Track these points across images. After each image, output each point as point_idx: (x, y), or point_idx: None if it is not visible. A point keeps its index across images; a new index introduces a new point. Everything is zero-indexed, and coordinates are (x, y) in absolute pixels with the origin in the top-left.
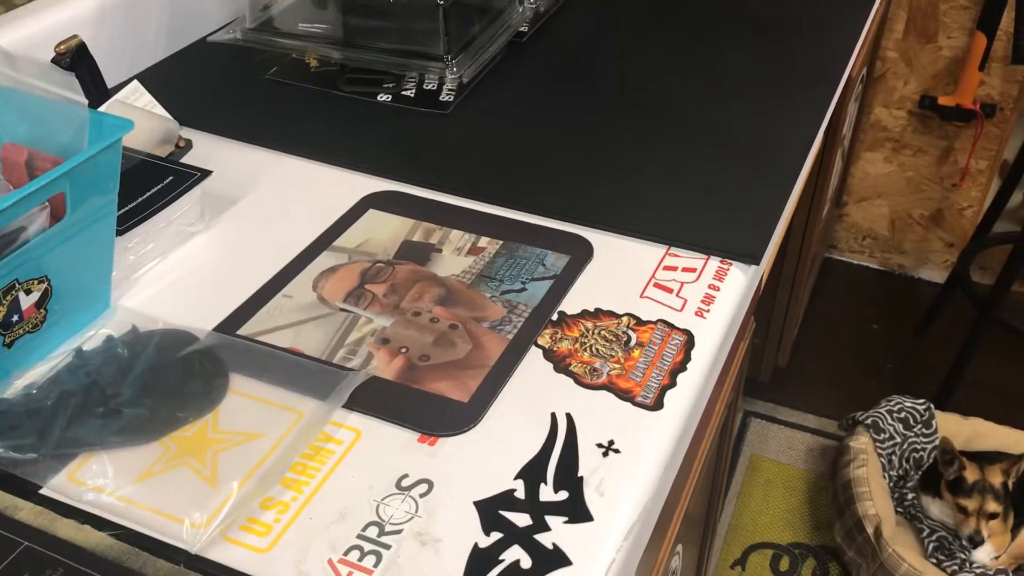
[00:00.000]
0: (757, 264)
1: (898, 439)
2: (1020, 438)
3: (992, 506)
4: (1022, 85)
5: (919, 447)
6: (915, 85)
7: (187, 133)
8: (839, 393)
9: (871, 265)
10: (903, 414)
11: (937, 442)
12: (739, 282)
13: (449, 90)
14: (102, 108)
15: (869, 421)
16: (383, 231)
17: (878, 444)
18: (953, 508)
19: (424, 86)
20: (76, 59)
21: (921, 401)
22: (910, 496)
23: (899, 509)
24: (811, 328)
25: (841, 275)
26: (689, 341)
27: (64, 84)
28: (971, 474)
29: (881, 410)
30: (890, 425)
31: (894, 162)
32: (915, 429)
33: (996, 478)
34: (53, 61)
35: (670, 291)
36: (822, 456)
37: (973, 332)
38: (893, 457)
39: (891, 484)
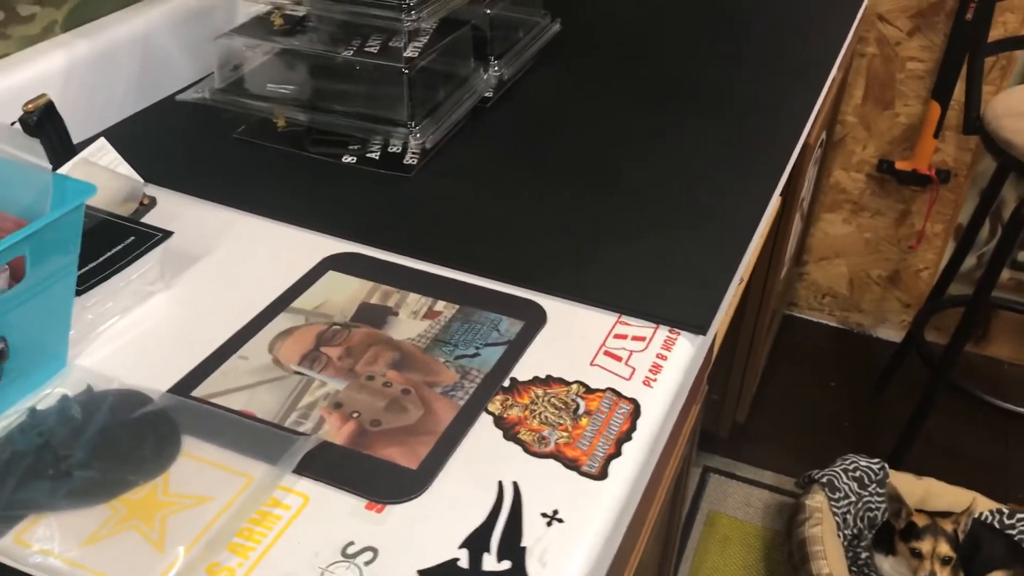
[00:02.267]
0: (704, 334)
1: (853, 498)
2: (972, 499)
3: (945, 548)
4: (975, 153)
5: (873, 506)
6: (873, 149)
7: (152, 191)
8: (797, 450)
9: (830, 323)
10: (858, 473)
11: None
12: (686, 352)
13: (413, 153)
14: (67, 166)
15: (825, 480)
16: (341, 293)
17: (833, 503)
18: (907, 556)
19: (389, 149)
20: (44, 117)
21: (876, 460)
22: (864, 555)
23: (853, 568)
24: (770, 384)
25: (801, 332)
26: (636, 410)
27: (27, 148)
28: (921, 519)
29: (837, 469)
30: (845, 484)
31: (853, 223)
32: (870, 488)
33: (947, 526)
34: (21, 119)
35: (619, 359)
36: (779, 513)
37: (926, 393)
38: (848, 516)
39: (845, 543)
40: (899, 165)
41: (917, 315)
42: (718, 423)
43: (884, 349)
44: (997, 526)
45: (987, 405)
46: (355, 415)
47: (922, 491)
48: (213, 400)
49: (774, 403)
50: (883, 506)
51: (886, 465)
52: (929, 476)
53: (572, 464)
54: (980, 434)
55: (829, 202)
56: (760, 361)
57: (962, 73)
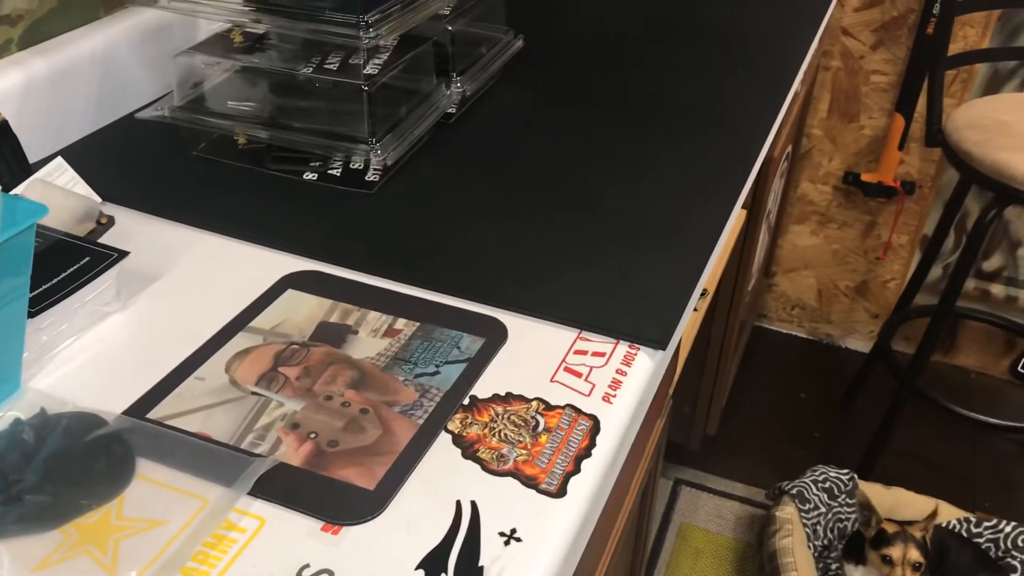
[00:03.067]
0: (663, 349)
1: (823, 509)
2: (940, 509)
3: (915, 554)
4: (939, 164)
5: (843, 517)
6: (839, 162)
7: (111, 209)
8: (768, 461)
9: (799, 334)
10: (827, 484)
11: None
12: (646, 367)
13: (375, 170)
14: (22, 186)
15: (795, 491)
16: (300, 312)
17: (803, 514)
18: (878, 564)
19: (351, 166)
20: None
21: (845, 471)
22: (834, 566)
23: None
24: (741, 396)
25: (770, 343)
26: (595, 427)
27: None
28: (890, 527)
29: (806, 480)
30: (815, 495)
31: (820, 235)
32: (839, 499)
33: (916, 532)
34: None
35: (579, 375)
36: (750, 525)
37: (894, 403)
38: (818, 527)
39: (816, 554)
40: (865, 177)
41: (884, 325)
42: (688, 435)
43: (853, 359)
44: (965, 535)
45: (954, 414)
46: (312, 436)
47: (892, 501)
48: (169, 422)
49: (744, 415)
50: (853, 516)
51: (855, 476)
52: (898, 486)
53: (531, 482)
54: (947, 443)
55: (797, 214)
56: (729, 373)
57: (925, 86)
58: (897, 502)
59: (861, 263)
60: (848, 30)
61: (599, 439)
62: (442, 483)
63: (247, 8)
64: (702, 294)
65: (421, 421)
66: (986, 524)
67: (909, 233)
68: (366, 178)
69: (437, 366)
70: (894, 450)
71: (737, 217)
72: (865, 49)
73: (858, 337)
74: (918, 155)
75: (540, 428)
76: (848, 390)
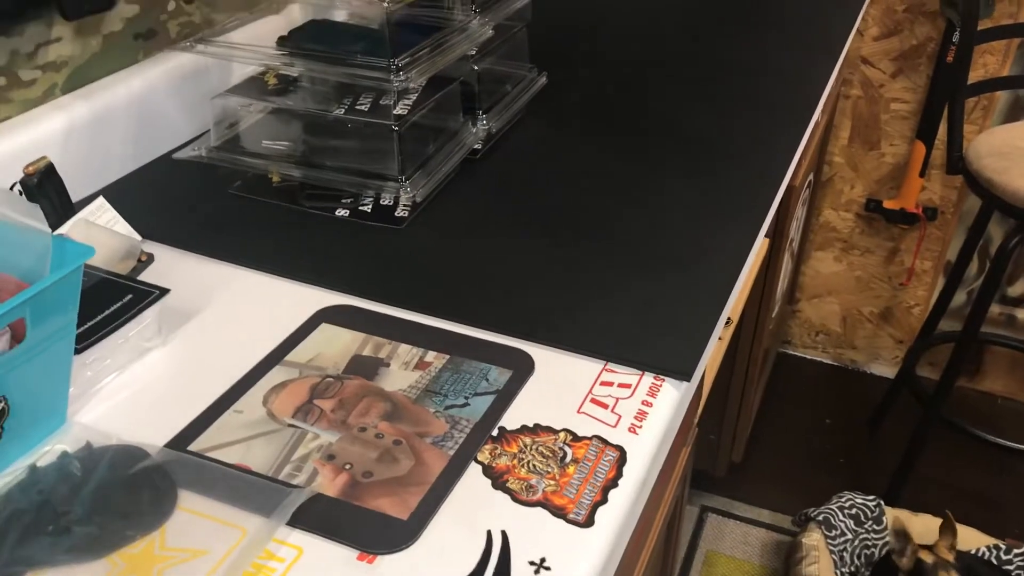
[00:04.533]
0: (688, 380)
1: (849, 535)
2: (967, 535)
3: None
4: (961, 191)
5: (870, 543)
6: (861, 189)
7: (150, 247)
8: (794, 488)
9: (824, 360)
10: (854, 510)
11: (887, 538)
12: (671, 398)
13: (405, 206)
14: (66, 225)
15: (821, 517)
16: (334, 345)
17: (830, 540)
18: None
19: (381, 202)
20: (44, 179)
21: (871, 497)
22: None
23: None
24: (766, 422)
25: (795, 369)
26: (622, 457)
27: (28, 213)
28: (927, 556)
29: (832, 506)
30: (841, 521)
31: (844, 261)
32: (866, 525)
33: (947, 555)
34: (22, 182)
35: (606, 407)
36: (776, 552)
37: (919, 430)
38: (844, 554)
39: None
40: (887, 204)
41: (908, 351)
42: (714, 462)
43: (878, 385)
44: (995, 562)
45: (981, 441)
46: (348, 467)
47: (920, 527)
48: (209, 454)
49: (770, 441)
50: (879, 543)
51: (882, 502)
52: (925, 512)
53: (559, 512)
54: (975, 470)
55: (820, 240)
56: (754, 400)
57: (946, 113)
58: (925, 528)
59: (885, 289)
60: (868, 59)
61: (626, 469)
62: (473, 513)
63: (281, 52)
64: (726, 323)
65: (452, 452)
66: (1016, 551)
67: (932, 259)
68: (396, 214)
69: (466, 398)
70: (921, 476)
71: (760, 245)
72: (885, 77)
73: (883, 363)
74: (940, 181)
75: (568, 459)
76: (873, 416)
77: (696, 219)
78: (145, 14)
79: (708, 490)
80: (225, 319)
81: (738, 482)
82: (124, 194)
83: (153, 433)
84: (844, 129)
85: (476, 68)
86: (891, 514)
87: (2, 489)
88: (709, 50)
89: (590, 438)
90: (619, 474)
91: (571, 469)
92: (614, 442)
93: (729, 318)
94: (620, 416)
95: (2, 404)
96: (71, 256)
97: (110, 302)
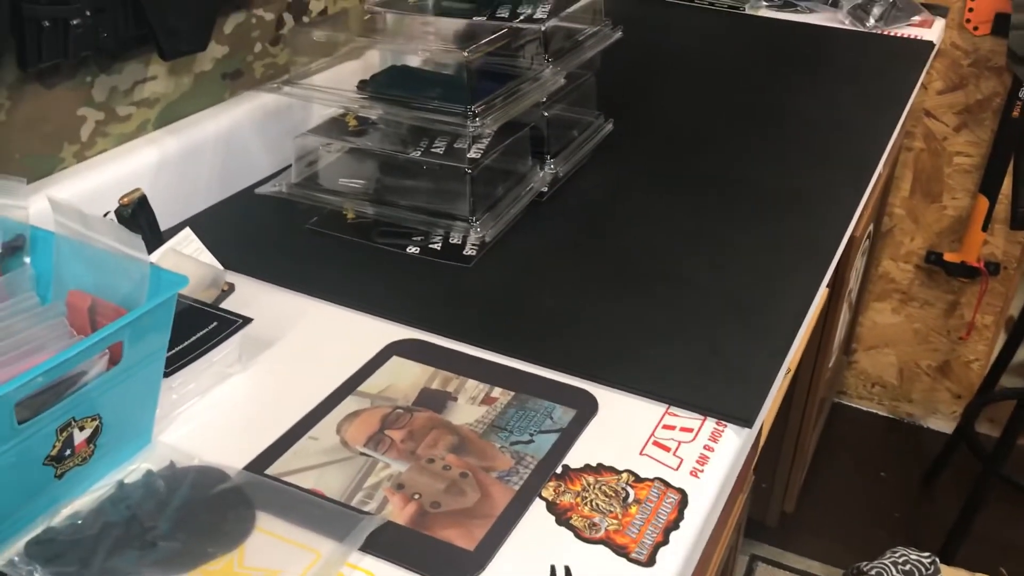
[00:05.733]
0: (750, 427)
1: None
2: None
3: None
4: None
5: None
6: (921, 241)
7: (231, 277)
8: (846, 541)
9: (880, 412)
10: (908, 567)
11: None
12: (733, 444)
13: (473, 245)
14: (157, 254)
15: (874, 572)
16: (405, 378)
17: None
18: None
19: (450, 240)
20: (137, 209)
21: (926, 555)
22: None
23: None
24: (819, 473)
25: (850, 421)
26: (683, 500)
27: (129, 242)
28: None
29: (886, 561)
30: None
31: (902, 313)
32: None
33: None
34: (116, 211)
35: (668, 450)
36: None
37: (977, 487)
38: None
39: None
40: (948, 257)
41: (967, 407)
42: (766, 511)
43: (935, 440)
44: None
45: None
46: (416, 496)
47: None
48: (285, 478)
49: (823, 492)
50: None
51: (937, 560)
52: (981, 572)
53: (621, 551)
54: None
55: (878, 291)
56: (808, 450)
57: (1010, 168)
58: None
59: (943, 343)
60: (931, 112)
61: (687, 512)
62: (537, 547)
63: (361, 95)
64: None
65: (517, 487)
66: None
67: (994, 314)
68: (464, 252)
69: (531, 435)
70: (978, 535)
71: (820, 295)
72: (948, 131)
73: (940, 417)
74: (1003, 236)
75: (630, 499)
76: (930, 471)
77: (759, 268)
78: (233, 55)
79: (759, 539)
80: (301, 348)
81: (789, 532)
82: (208, 225)
83: (233, 455)
84: (906, 181)
85: (546, 114)
86: (947, 572)
87: (94, 503)
88: (775, 101)
89: (652, 480)
90: (680, 516)
91: (633, 509)
92: (676, 485)
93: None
94: (682, 459)
95: (97, 422)
96: (166, 284)
97: (196, 329)
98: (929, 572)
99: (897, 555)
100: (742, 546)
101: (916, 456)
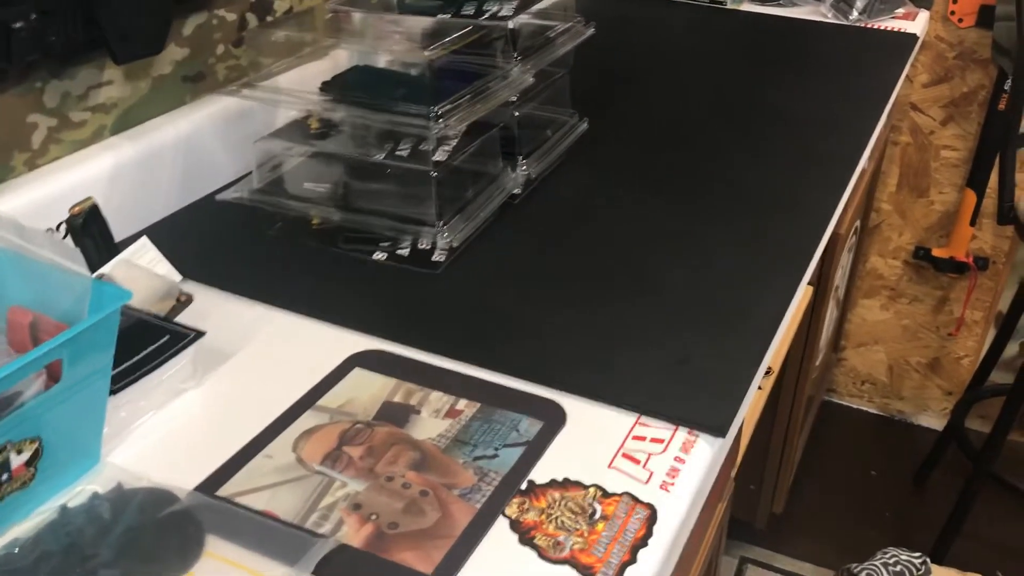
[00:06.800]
0: (723, 437)
1: None
2: None
3: None
4: (1013, 240)
5: None
6: (909, 236)
7: (189, 286)
8: (837, 541)
9: (870, 410)
10: (899, 567)
11: None
12: (705, 455)
13: (442, 250)
14: (108, 266)
15: (864, 573)
16: (366, 391)
17: None
18: None
19: (419, 246)
20: (89, 220)
21: (917, 555)
22: None
23: None
24: (809, 473)
25: (840, 419)
26: (652, 516)
27: (69, 255)
28: None
29: (876, 562)
30: None
31: (890, 309)
32: None
33: None
34: (67, 222)
35: (638, 462)
36: None
37: (968, 485)
38: None
39: None
40: (936, 252)
41: (957, 404)
42: (755, 513)
43: (925, 437)
44: None
45: None
46: (373, 517)
47: None
48: (237, 499)
49: (812, 492)
50: None
51: (928, 560)
52: (973, 572)
53: (587, 571)
54: None
55: (866, 288)
56: (796, 450)
57: (997, 162)
58: None
59: (933, 339)
60: (917, 105)
61: (656, 528)
62: (498, 569)
63: (324, 97)
64: (767, 372)
65: (479, 505)
66: None
67: (983, 309)
68: (433, 259)
69: (496, 449)
70: (969, 534)
71: (803, 293)
72: (935, 125)
73: (930, 414)
74: (991, 231)
75: (597, 516)
76: (920, 469)
77: (736, 269)
78: (194, 57)
79: (748, 541)
80: (260, 361)
81: (779, 534)
82: (167, 234)
83: (184, 475)
84: (892, 176)
85: (516, 114)
86: (938, 572)
87: (33, 530)
88: (756, 96)
89: (620, 495)
90: (649, 533)
91: (600, 526)
92: (645, 500)
93: (770, 368)
94: (652, 472)
95: (36, 445)
96: (109, 299)
97: (147, 343)
98: (920, 572)
99: (888, 556)
100: (731, 549)
101: (907, 454)
